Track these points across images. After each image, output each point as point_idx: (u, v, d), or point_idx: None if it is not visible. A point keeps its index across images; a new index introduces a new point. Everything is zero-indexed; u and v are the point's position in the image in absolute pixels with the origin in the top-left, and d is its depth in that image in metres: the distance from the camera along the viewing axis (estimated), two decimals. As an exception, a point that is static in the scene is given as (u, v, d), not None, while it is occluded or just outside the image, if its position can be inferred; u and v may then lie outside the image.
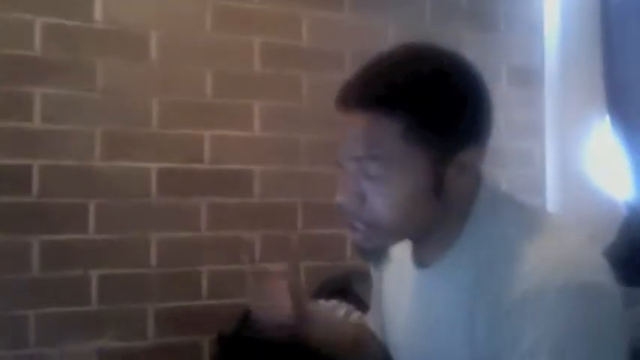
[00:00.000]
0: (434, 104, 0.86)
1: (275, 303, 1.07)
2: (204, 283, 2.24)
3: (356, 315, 1.82)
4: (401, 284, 1.05)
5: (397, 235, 0.94)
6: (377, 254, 0.97)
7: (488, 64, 2.64)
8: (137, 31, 2.20)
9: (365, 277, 1.91)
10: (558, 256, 0.83)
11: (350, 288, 2.13)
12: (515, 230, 0.88)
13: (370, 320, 1.27)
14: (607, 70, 2.64)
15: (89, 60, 2.14)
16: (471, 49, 2.63)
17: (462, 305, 0.90)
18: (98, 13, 2.15)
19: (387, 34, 2.50)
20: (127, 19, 2.19)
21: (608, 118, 2.64)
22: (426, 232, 0.93)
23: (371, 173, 0.88)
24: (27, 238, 2.04)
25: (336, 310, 1.95)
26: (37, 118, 2.07)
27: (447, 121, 0.87)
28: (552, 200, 2.74)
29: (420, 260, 0.99)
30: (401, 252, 1.03)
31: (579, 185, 2.72)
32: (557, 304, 0.79)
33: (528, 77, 2.79)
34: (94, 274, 2.12)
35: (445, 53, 0.91)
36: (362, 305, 1.98)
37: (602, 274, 0.84)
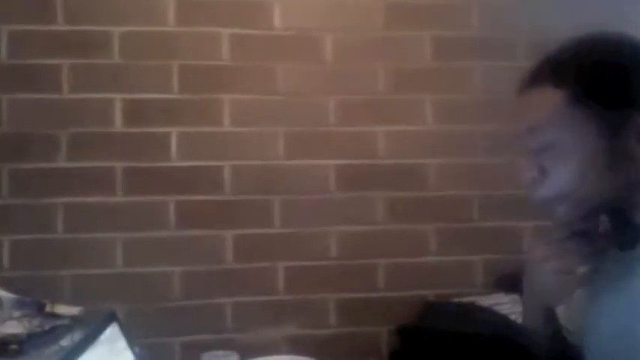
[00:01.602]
0: (597, 75, 0.93)
1: None
2: (382, 275, 2.32)
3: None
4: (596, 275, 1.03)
5: (586, 204, 0.95)
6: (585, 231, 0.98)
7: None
8: (313, 34, 2.31)
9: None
10: None
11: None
12: None
13: None
14: None
15: (270, 65, 2.28)
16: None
17: None
18: (277, 20, 2.29)
19: (566, 19, 2.38)
20: (304, 24, 2.30)
21: None
22: (618, 204, 0.94)
23: (549, 142, 0.94)
24: (221, 233, 2.24)
25: (515, 304, 1.93)
26: (227, 121, 2.26)
27: (611, 88, 0.92)
28: None
29: (626, 241, 0.97)
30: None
31: None
32: None
33: None
34: (280, 266, 2.27)
35: (614, 34, 0.98)
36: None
37: None
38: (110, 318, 1.22)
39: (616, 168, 0.92)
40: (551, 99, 0.94)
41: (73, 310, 1.83)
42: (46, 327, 1.72)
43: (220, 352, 1.77)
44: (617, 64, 0.94)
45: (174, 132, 2.23)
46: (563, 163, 0.94)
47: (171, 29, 2.23)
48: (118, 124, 2.20)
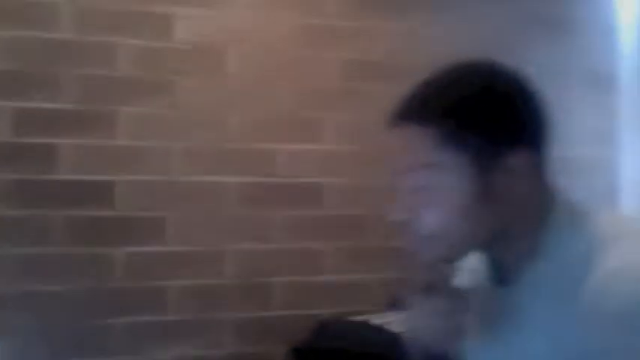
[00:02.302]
0: (467, 111, 0.89)
1: None
2: (279, 293, 2.31)
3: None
4: (477, 304, 1.02)
5: (457, 246, 0.93)
6: (440, 267, 0.97)
7: (560, 69, 2.62)
8: (215, 49, 2.28)
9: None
10: None
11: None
12: (599, 242, 0.86)
13: None
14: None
15: (170, 78, 2.23)
16: (543, 53, 2.60)
17: (547, 322, 0.88)
18: (178, 33, 2.24)
19: (457, 42, 2.46)
20: (205, 39, 2.27)
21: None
22: (489, 243, 0.93)
23: (418, 184, 0.90)
24: (110, 250, 2.15)
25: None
26: (122, 134, 2.18)
27: (483, 125, 0.88)
28: (627, 210, 2.67)
29: (499, 277, 0.97)
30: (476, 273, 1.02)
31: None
32: None
33: (602, 82, 2.72)
34: (173, 285, 2.21)
35: (486, 64, 0.94)
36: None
37: None
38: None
39: (488, 208, 0.89)
40: (417, 140, 0.89)
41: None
42: None
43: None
44: (486, 98, 0.90)
45: (64, 143, 2.13)
46: (432, 206, 0.90)
47: (66, 36, 2.13)
48: (5, 134, 2.08)
